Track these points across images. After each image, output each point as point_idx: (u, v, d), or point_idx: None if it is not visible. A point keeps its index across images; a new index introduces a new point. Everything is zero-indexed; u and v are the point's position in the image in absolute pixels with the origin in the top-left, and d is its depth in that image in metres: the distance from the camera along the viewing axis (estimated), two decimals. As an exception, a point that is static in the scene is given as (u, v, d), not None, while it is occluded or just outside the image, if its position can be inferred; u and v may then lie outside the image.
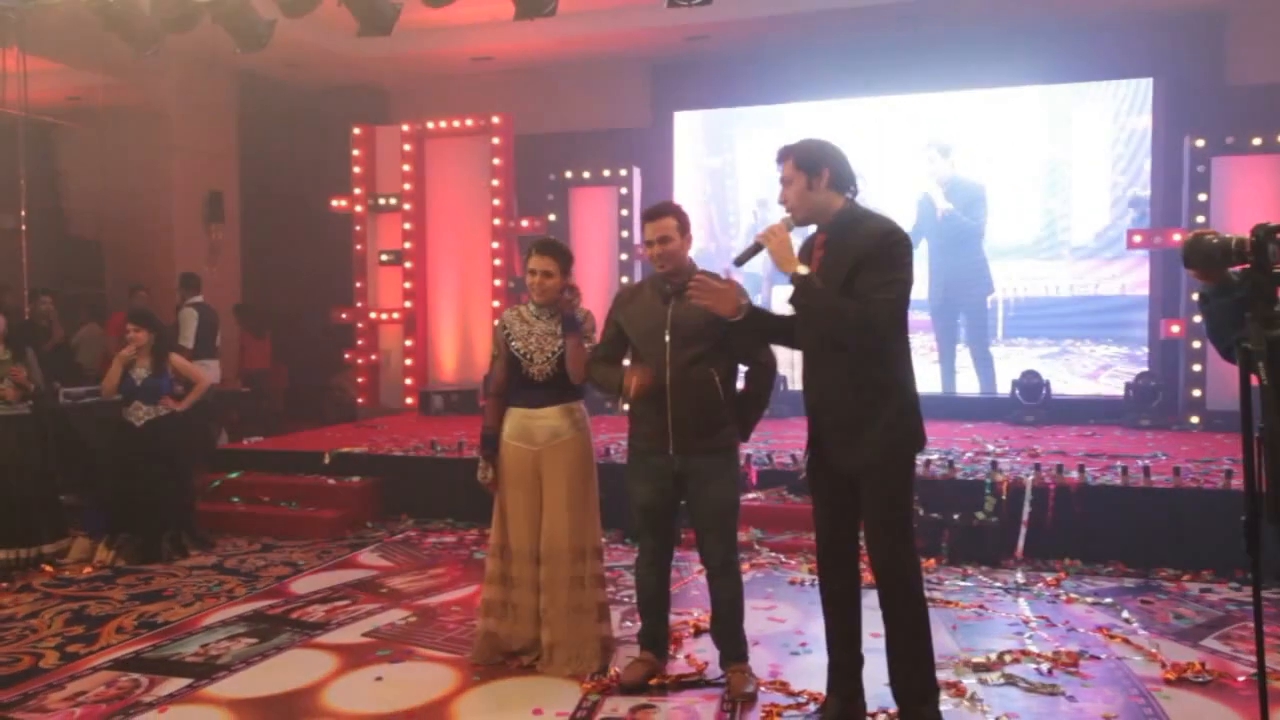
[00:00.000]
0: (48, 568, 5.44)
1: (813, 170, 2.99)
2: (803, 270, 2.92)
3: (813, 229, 3.12)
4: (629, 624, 4.27)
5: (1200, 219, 7.96)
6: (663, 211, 3.51)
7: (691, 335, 3.40)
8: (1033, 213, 9.42)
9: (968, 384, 9.45)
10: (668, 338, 3.42)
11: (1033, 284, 9.53)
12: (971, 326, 9.54)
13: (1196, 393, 8.02)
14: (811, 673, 3.61)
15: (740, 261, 3.20)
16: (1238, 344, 2.24)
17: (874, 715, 3.24)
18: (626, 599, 4.68)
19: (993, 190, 9.39)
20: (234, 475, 6.81)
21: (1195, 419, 7.97)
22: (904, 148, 9.52)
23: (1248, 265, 2.25)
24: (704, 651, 3.88)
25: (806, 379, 3.09)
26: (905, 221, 9.35)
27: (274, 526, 6.30)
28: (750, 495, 5.87)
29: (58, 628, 4.43)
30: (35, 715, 3.45)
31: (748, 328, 3.14)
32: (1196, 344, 7.98)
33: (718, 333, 3.36)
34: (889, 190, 9.58)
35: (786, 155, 3.04)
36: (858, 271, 2.86)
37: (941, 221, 9.52)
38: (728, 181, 10.14)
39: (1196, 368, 8.01)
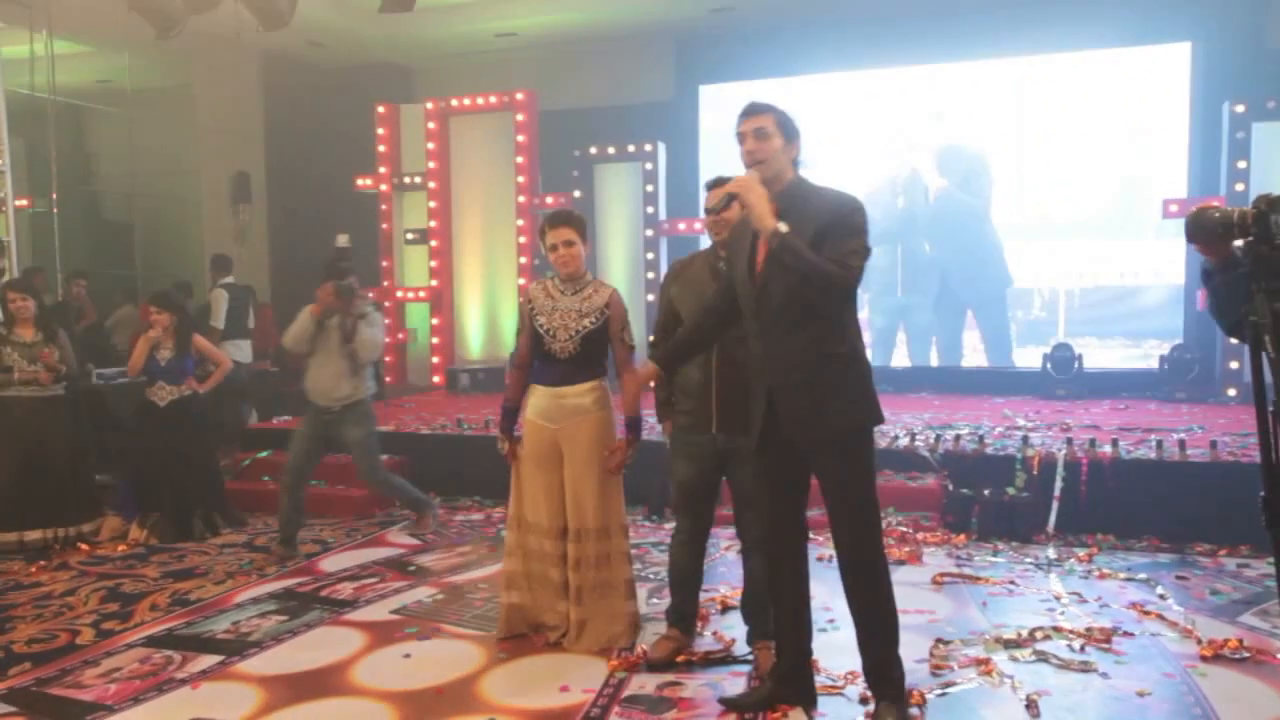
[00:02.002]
0: (84, 546, 5.53)
1: (790, 136, 2.99)
2: (783, 227, 2.83)
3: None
4: (655, 601, 4.27)
5: (1239, 186, 7.76)
6: (725, 181, 3.48)
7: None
8: (1099, 185, 8.91)
9: (982, 358, 9.26)
10: None
11: (1103, 268, 8.80)
12: (988, 327, 9.13)
13: (1234, 365, 7.85)
14: (839, 649, 3.58)
15: (711, 213, 3.21)
16: (1245, 318, 2.20)
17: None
18: (652, 576, 4.68)
19: (1042, 163, 9.06)
20: (264, 454, 6.87)
21: (1232, 391, 7.81)
22: (931, 117, 9.37)
23: (1251, 239, 2.20)
24: (731, 629, 3.87)
25: (761, 352, 3.00)
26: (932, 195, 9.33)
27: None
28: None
29: (93, 605, 4.50)
30: (72, 691, 3.51)
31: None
32: (1234, 315, 7.79)
33: None
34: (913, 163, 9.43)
35: (767, 110, 2.99)
36: (823, 238, 2.82)
37: (935, 201, 9.24)
38: (722, 146, 9.88)
39: (1234, 340, 7.82)
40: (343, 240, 6.18)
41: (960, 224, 9.24)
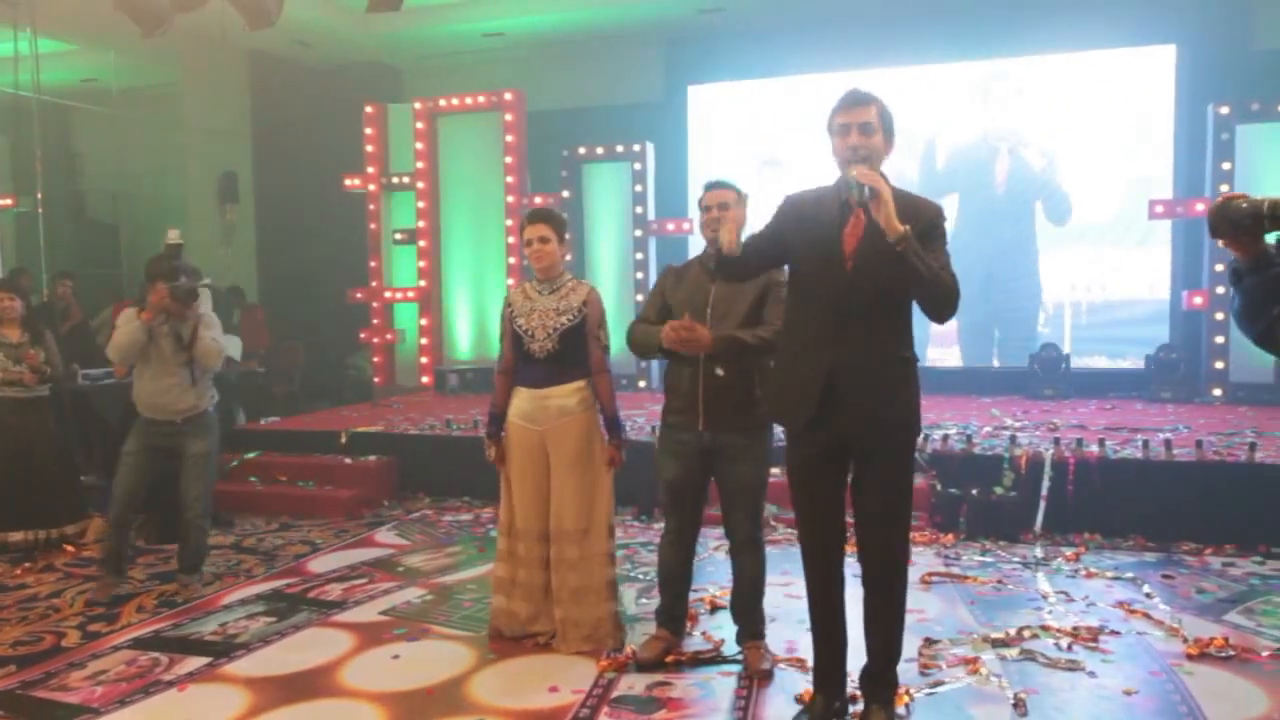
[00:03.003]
0: (69, 548, 5.49)
1: (890, 134, 2.83)
2: (907, 229, 2.67)
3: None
4: (644, 601, 4.27)
5: (1224, 188, 7.81)
6: (723, 183, 3.53)
7: (731, 312, 3.38)
8: (1085, 188, 8.82)
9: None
10: (709, 313, 3.41)
11: (1093, 270, 8.51)
12: (1010, 348, 8.90)
13: (1219, 365, 7.92)
14: (828, 649, 3.59)
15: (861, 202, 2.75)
16: None
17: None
18: (641, 576, 4.68)
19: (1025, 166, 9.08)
20: (252, 455, 6.85)
21: (1218, 391, 7.88)
22: (921, 118, 9.39)
23: None
24: (720, 628, 3.87)
25: (829, 341, 2.82)
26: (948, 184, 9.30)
27: (291, 506, 6.34)
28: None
29: (79, 607, 4.47)
30: (58, 694, 3.48)
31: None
32: (1219, 315, 7.86)
33: (756, 311, 3.37)
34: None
35: (872, 101, 2.77)
36: (921, 245, 2.71)
37: (1004, 188, 9.06)
38: (711, 146, 9.77)
39: (1219, 339, 7.90)
40: (174, 236, 5.55)
41: (1011, 218, 9.06)
